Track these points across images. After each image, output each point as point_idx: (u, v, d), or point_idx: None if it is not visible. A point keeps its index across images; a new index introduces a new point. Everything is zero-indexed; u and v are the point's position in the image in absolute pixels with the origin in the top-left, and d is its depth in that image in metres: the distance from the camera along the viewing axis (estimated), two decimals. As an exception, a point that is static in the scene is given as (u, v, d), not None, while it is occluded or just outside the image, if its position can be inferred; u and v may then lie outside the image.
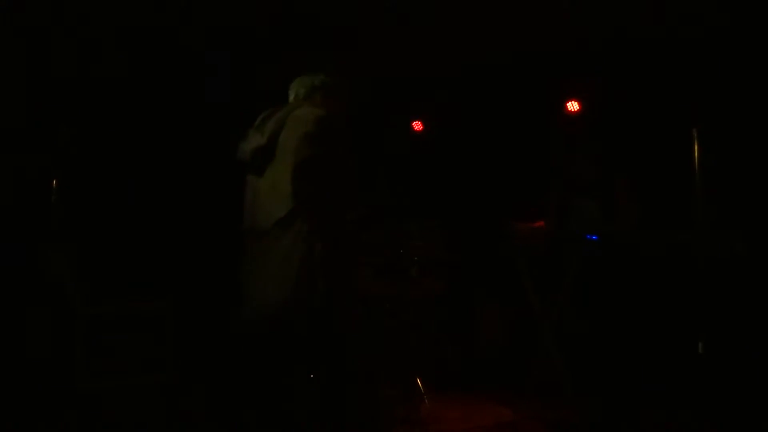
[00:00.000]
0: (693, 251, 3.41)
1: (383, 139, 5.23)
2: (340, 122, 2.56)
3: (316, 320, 2.38)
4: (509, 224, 3.83)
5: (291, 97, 2.72)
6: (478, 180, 5.04)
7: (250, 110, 2.62)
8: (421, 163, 5.23)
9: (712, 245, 3.42)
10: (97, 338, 3.49)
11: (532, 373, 3.72)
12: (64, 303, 3.41)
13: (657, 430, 3.08)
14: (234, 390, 3.46)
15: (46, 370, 3.61)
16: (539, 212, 3.97)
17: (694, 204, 3.38)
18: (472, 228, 4.62)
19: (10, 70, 3.96)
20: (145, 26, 3.98)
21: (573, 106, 4.66)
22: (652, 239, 3.56)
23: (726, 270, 3.48)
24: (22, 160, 3.90)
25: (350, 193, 2.56)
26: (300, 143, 2.43)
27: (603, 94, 4.46)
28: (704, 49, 4.00)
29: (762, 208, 3.74)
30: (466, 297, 4.47)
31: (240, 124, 2.65)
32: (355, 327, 2.65)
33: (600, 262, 3.67)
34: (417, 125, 5.44)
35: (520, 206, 4.19)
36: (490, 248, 4.13)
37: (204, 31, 4.15)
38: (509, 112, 4.86)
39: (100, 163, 4.26)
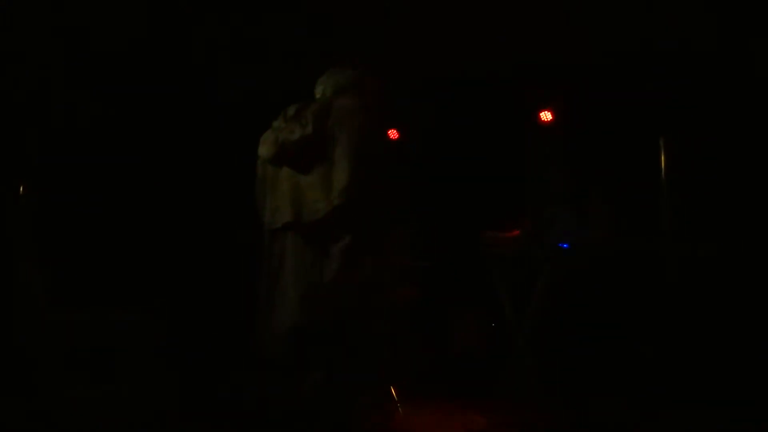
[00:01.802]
0: (662, 257, 3.47)
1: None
2: (383, 117, 2.53)
3: (347, 323, 2.36)
4: (484, 232, 3.86)
5: (318, 94, 2.65)
6: (453, 188, 5.07)
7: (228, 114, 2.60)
8: (397, 171, 5.25)
9: (681, 251, 3.49)
10: (66, 347, 3.42)
11: (505, 380, 3.74)
12: (32, 310, 3.35)
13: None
14: (217, 398, 3.42)
15: (11, 380, 3.53)
16: (513, 221, 4.01)
17: (662, 211, 3.44)
18: (446, 236, 4.65)
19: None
20: (116, 28, 3.96)
21: (546, 116, 4.73)
22: (623, 246, 3.62)
23: (694, 275, 3.55)
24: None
25: (397, 192, 2.52)
26: (354, 134, 2.38)
27: (575, 104, 4.54)
28: (670, 62, 4.09)
29: (727, 214, 3.83)
30: (441, 304, 4.48)
31: (216, 128, 2.62)
32: (382, 332, 2.62)
33: (572, 270, 3.71)
34: (393, 133, 5.46)
35: (494, 214, 4.23)
36: (464, 256, 4.16)
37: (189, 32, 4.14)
38: (483, 122, 4.91)
39: (71, 168, 4.19)
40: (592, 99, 4.42)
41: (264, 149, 2.55)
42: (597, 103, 4.41)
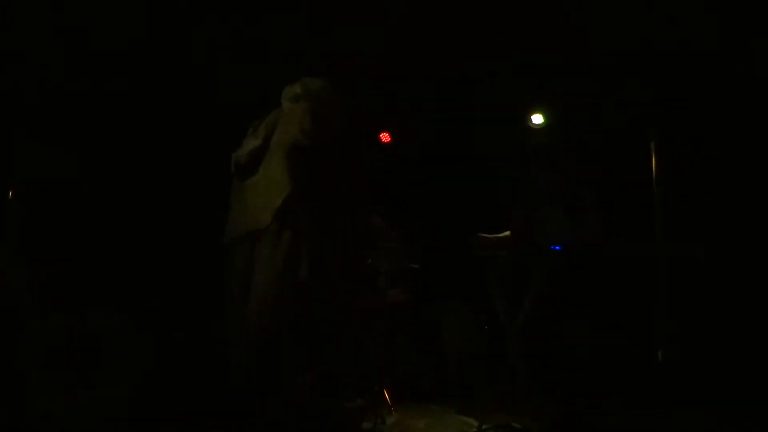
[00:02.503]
0: (654, 260, 3.48)
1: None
2: (336, 119, 2.56)
3: (321, 317, 2.37)
4: (476, 235, 3.85)
5: (283, 103, 2.72)
6: (445, 191, 5.08)
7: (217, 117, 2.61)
8: (388, 174, 5.25)
9: (673, 255, 3.51)
10: (51, 353, 3.38)
11: (497, 383, 3.74)
12: (17, 315, 3.31)
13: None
14: (196, 404, 3.40)
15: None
16: (505, 223, 4.01)
17: (653, 214, 3.46)
18: (439, 238, 4.65)
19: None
20: (106, 33, 3.94)
21: (537, 118, 4.74)
22: (616, 248, 3.63)
23: (686, 277, 3.57)
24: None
25: (355, 195, 2.55)
26: (293, 134, 2.45)
27: (567, 106, 4.55)
28: (663, 63, 4.11)
29: (718, 217, 3.86)
30: (433, 307, 4.48)
31: (202, 133, 2.64)
32: (352, 326, 2.64)
33: (565, 272, 3.72)
34: (385, 137, 5.46)
35: (486, 216, 4.23)
36: (456, 258, 4.15)
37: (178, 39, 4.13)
38: (475, 123, 4.92)
39: (59, 172, 4.16)
40: (584, 100, 4.44)
41: (232, 165, 2.62)
42: (589, 104, 4.43)
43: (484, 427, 3.31)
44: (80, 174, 4.23)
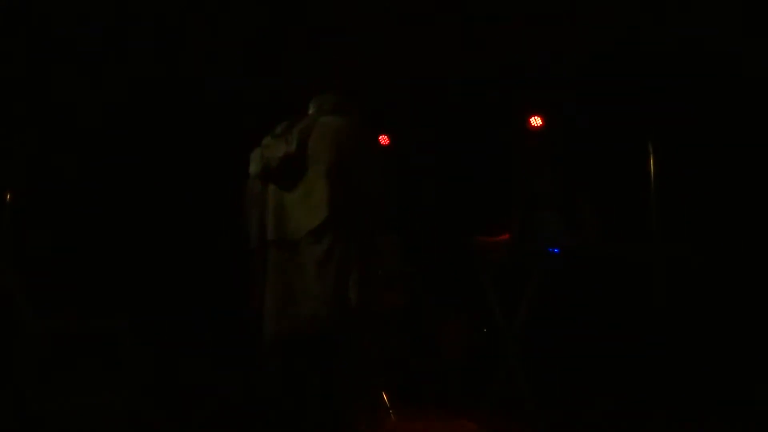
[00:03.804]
0: (652, 263, 3.49)
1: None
2: (368, 134, 2.56)
3: (349, 334, 2.37)
4: (473, 238, 3.86)
5: (311, 111, 2.68)
6: (442, 194, 5.08)
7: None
8: (382, 185, 5.25)
9: (670, 257, 3.51)
10: (48, 357, 3.38)
11: (495, 386, 3.74)
12: (14, 318, 3.31)
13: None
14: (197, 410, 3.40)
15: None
16: (502, 226, 4.01)
17: (650, 215, 3.46)
18: (435, 242, 4.65)
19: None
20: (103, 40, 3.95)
21: (536, 121, 4.74)
22: (613, 252, 3.63)
23: (683, 278, 3.57)
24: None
25: (382, 205, 2.55)
26: (334, 151, 2.41)
27: (565, 108, 4.55)
28: (658, 66, 4.12)
29: (715, 218, 3.86)
30: (430, 310, 4.48)
31: (201, 134, 2.63)
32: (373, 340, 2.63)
33: (561, 275, 3.72)
34: (383, 139, 5.46)
35: (483, 220, 4.23)
36: (453, 262, 4.16)
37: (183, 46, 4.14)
38: (473, 126, 4.92)
39: (56, 177, 4.17)
40: (581, 102, 4.44)
41: (252, 166, 2.60)
42: (586, 106, 4.43)
43: (483, 431, 3.31)
44: (80, 176, 4.24)
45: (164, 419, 3.45)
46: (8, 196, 3.64)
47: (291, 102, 2.73)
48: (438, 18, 4.00)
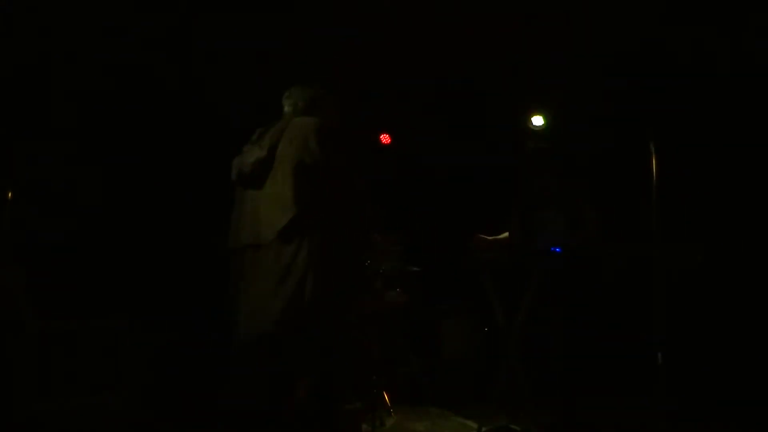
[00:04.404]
0: (653, 263, 3.47)
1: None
2: (340, 132, 2.57)
3: (321, 334, 2.38)
4: (475, 236, 3.85)
5: (287, 108, 2.70)
6: (443, 193, 5.07)
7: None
8: (385, 176, 5.25)
9: (671, 257, 3.50)
10: (48, 356, 3.38)
11: (496, 385, 3.74)
12: (13, 317, 3.31)
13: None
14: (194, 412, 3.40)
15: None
16: (503, 225, 4.01)
17: (652, 216, 3.45)
18: (436, 240, 4.65)
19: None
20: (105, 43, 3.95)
21: (538, 120, 4.74)
22: (614, 252, 3.62)
23: (685, 281, 3.56)
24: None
25: (356, 207, 2.55)
26: (300, 151, 2.44)
27: (565, 108, 4.55)
28: (662, 66, 4.11)
29: (717, 219, 3.85)
30: (431, 309, 4.48)
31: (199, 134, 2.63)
32: (350, 341, 2.63)
33: (563, 275, 3.71)
34: (385, 138, 5.46)
35: (484, 219, 4.23)
36: (454, 261, 4.15)
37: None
38: (474, 125, 4.92)
39: (56, 176, 4.17)
40: (582, 102, 4.44)
41: (232, 172, 2.62)
42: (587, 106, 4.43)
43: (483, 429, 3.31)
44: (80, 175, 4.24)
45: (163, 419, 3.46)
46: (9, 195, 3.63)
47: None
48: (442, 14, 3.99)
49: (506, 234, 3.90)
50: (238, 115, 4.30)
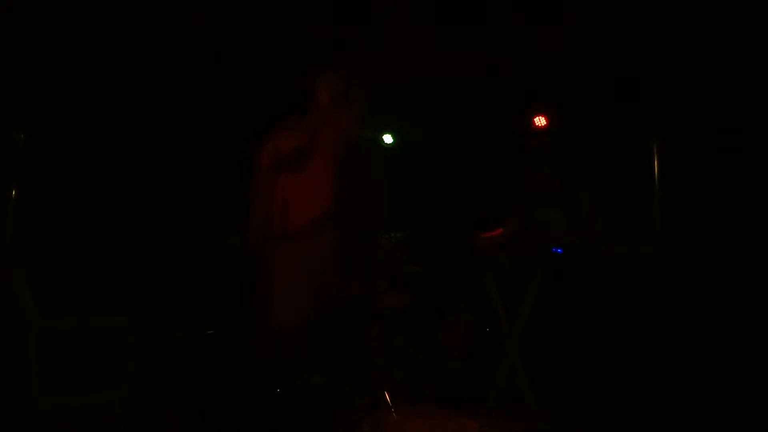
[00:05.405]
0: (654, 263, 3.48)
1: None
2: (373, 131, 2.61)
3: (349, 328, 2.39)
4: (475, 236, 3.86)
5: (320, 97, 2.67)
6: (444, 192, 5.07)
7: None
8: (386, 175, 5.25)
9: (673, 257, 3.50)
10: (53, 353, 3.38)
11: (497, 385, 3.74)
12: (19, 314, 3.32)
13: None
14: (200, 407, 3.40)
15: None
16: (503, 224, 4.02)
17: (654, 216, 3.46)
18: (438, 240, 4.65)
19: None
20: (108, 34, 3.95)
21: (540, 120, 4.74)
22: (615, 251, 3.63)
23: (687, 278, 3.57)
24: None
25: (383, 203, 2.57)
26: (342, 145, 2.47)
27: (568, 107, 4.55)
28: (664, 66, 4.12)
29: (720, 220, 3.86)
30: (433, 309, 4.48)
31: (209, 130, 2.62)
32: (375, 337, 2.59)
33: (564, 274, 3.72)
34: (388, 138, 5.45)
35: (486, 218, 4.23)
36: (456, 260, 4.16)
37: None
38: (475, 125, 4.92)
39: (60, 174, 4.17)
40: (585, 100, 4.45)
41: (262, 158, 2.59)
42: (590, 105, 4.44)
43: (484, 429, 3.31)
44: (80, 173, 4.24)
45: (165, 417, 3.45)
46: (13, 193, 3.63)
47: (299, 96, 2.73)
48: (442, 12, 3.99)
49: (499, 229, 3.91)
50: (237, 113, 4.32)
